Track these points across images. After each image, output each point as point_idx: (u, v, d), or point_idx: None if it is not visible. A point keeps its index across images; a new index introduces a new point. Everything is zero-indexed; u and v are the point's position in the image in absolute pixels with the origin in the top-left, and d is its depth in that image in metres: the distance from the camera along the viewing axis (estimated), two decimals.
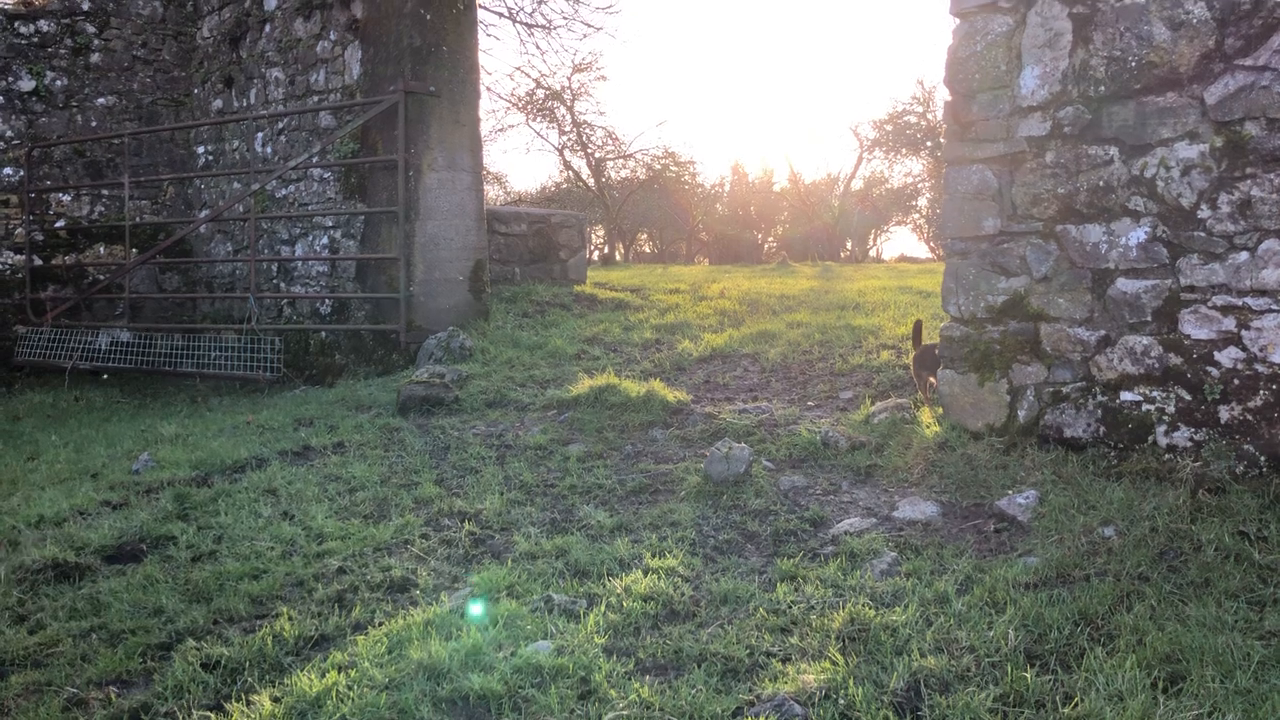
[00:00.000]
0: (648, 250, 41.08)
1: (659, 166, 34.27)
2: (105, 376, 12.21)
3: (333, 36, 11.18)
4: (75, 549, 5.31)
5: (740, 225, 36.95)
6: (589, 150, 33.06)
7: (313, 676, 3.69)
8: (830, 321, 9.79)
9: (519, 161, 53.75)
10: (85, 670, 4.00)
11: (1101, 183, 5.44)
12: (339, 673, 3.72)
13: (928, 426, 6.31)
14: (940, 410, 6.34)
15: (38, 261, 13.06)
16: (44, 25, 13.25)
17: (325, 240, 11.33)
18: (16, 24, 13.17)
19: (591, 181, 33.62)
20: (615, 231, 34.58)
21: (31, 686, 3.90)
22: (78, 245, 13.39)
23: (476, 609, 4.22)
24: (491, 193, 35.78)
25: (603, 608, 4.16)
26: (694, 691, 3.50)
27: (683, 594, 4.33)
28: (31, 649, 4.22)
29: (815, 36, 68.35)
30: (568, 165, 34.56)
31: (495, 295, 11.47)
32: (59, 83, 13.27)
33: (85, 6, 13.48)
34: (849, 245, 34.45)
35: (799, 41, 68.38)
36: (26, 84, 13.10)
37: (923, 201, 34.66)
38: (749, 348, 9.15)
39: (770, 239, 37.76)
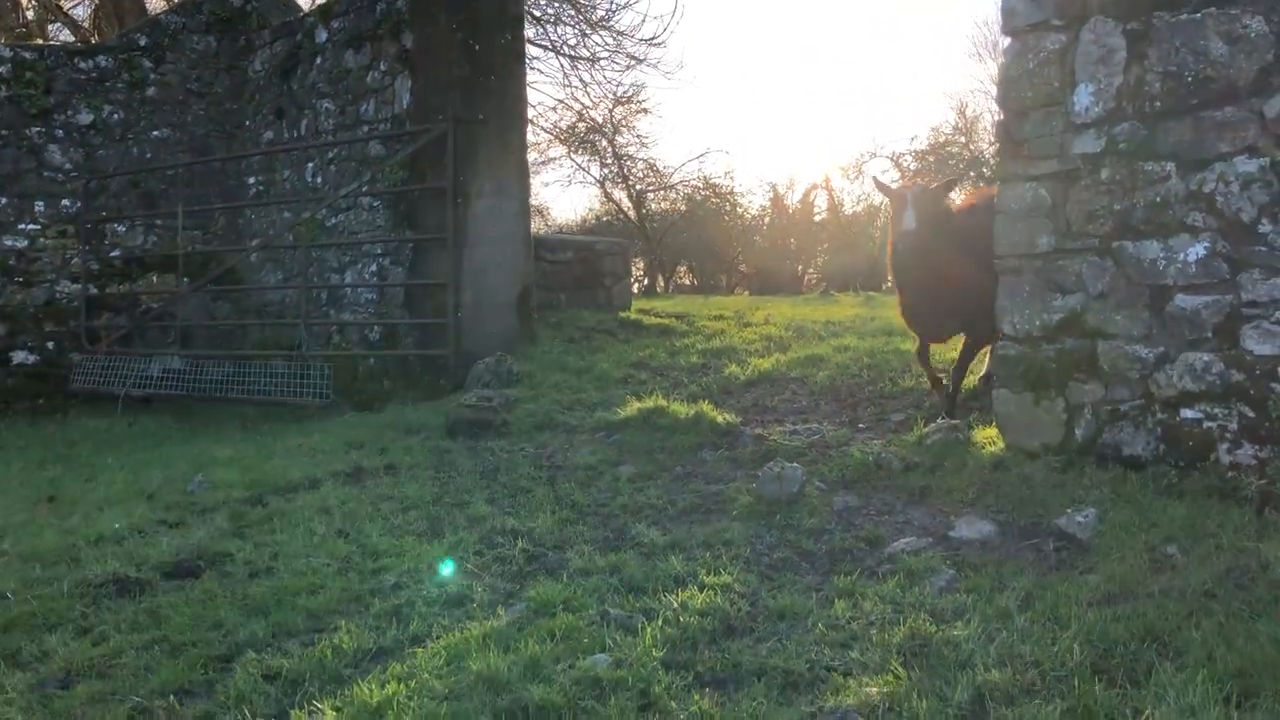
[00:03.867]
0: (688, 282, 41.17)
1: (699, 198, 34.38)
2: (156, 403, 12.39)
3: (382, 67, 11.38)
4: (135, 565, 5.40)
5: (780, 257, 36.91)
6: (630, 182, 33.26)
7: (373, 687, 3.72)
8: (878, 346, 9.77)
9: (561, 194, 54.37)
10: (148, 680, 4.06)
11: (1158, 199, 5.40)
12: (399, 683, 3.74)
13: (983, 447, 6.26)
14: (995, 430, 6.30)
15: (93, 290, 13.33)
16: (102, 61, 13.60)
17: (374, 268, 11.47)
18: (77, 60, 13.52)
19: (632, 213, 33.80)
20: (656, 263, 34.69)
21: (96, 696, 3.96)
22: (131, 274, 13.66)
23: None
24: (534, 225, 36.05)
25: (659, 622, 4.16)
26: (755, 704, 3.48)
27: (739, 609, 4.33)
28: (95, 660, 4.29)
29: (854, 66, 68.47)
30: (609, 197, 34.77)
31: (541, 321, 11.55)
32: (116, 116, 13.59)
33: (142, 42, 13.82)
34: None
35: (837, 71, 68.54)
36: (85, 118, 13.43)
37: None
38: (796, 371, 9.15)
39: (810, 270, 37.69)
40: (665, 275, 36.97)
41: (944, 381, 7.54)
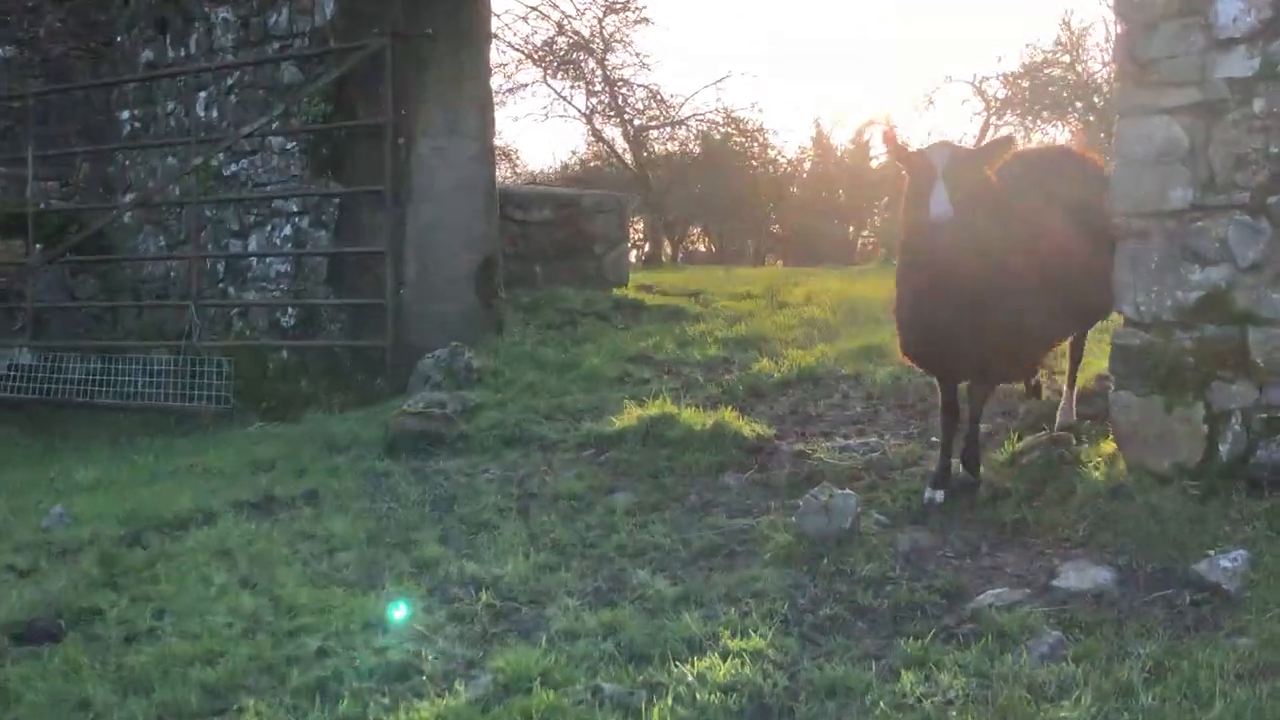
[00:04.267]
0: (703, 249, 41.20)
1: (719, 136, 34.36)
2: (0, 410, 12.40)
3: None
4: None
5: (824, 215, 36.93)
6: (626, 117, 33.28)
7: None
8: None
9: (534, 131, 54.25)
10: None
11: None
12: None
13: (1096, 467, 6.27)
14: (1113, 445, 6.30)
15: None
16: None
17: (288, 231, 11.47)
18: None
19: (630, 157, 33.81)
20: (661, 224, 34.71)
21: None
22: None
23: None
24: (499, 173, 36.08)
25: (669, 700, 4.17)
26: None
27: (775, 684, 4.33)
28: None
29: None
30: (598, 136, 34.78)
31: (511, 302, 11.54)
32: None
33: None
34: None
35: None
36: None
37: None
38: (848, 367, 9.16)
39: (865, 234, 37.74)
40: (674, 240, 36.97)
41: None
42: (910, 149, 6.20)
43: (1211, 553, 5.10)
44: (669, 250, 35.69)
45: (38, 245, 13.11)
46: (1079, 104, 30.54)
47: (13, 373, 12.62)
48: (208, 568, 6.04)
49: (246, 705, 4.43)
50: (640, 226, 36.00)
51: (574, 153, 37.23)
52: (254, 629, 5.22)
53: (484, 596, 5.40)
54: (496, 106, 12.24)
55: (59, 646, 5.15)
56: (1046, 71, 31.49)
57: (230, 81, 12.25)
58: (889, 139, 6.32)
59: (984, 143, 6.75)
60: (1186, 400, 5.87)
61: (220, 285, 12.31)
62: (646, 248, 34.29)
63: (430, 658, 4.79)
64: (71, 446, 10.86)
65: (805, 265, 27.23)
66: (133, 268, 13.75)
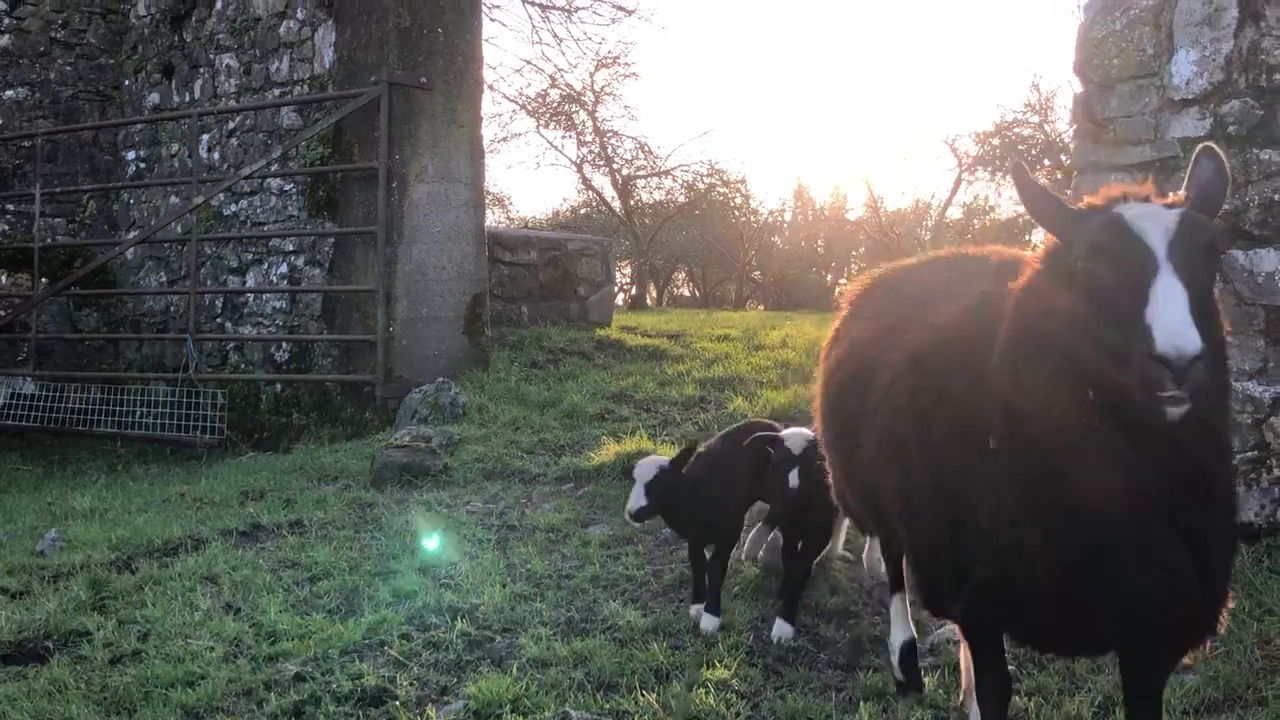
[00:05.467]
0: (687, 293, 41.30)
1: (703, 186, 34.50)
2: (1, 437, 12.33)
3: (300, 15, 11.41)
4: None
5: (804, 263, 37.10)
6: (615, 166, 33.40)
7: None
8: None
9: (526, 180, 54.42)
10: None
11: (1278, 196, 5.42)
12: None
13: None
14: None
15: None
16: None
17: (284, 268, 11.46)
18: None
19: (617, 204, 33.91)
20: (646, 269, 34.80)
21: None
22: None
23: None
24: (491, 218, 36.14)
25: None
26: None
27: (738, 713, 4.31)
28: None
29: (901, 29, 69.14)
30: (588, 184, 34.91)
31: (497, 340, 11.54)
32: None
33: None
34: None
35: (881, 35, 69.20)
36: None
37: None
38: None
39: (842, 280, 37.86)
40: (659, 284, 37.07)
41: None
42: (1079, 204, 3.12)
43: None
44: (654, 293, 35.78)
45: (43, 279, 13.09)
46: (1047, 161, 30.75)
47: (16, 401, 12.57)
48: (193, 593, 6.00)
49: None
50: (626, 271, 36.10)
51: (565, 200, 37.42)
52: (235, 653, 5.17)
53: (460, 625, 5.35)
54: (491, 154, 12.31)
55: (45, 667, 5.10)
56: (1016, 130, 31.74)
57: (232, 125, 12.27)
58: (1023, 180, 3.15)
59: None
60: None
61: (218, 320, 12.28)
62: (633, 291, 34.35)
63: (405, 684, 4.75)
64: (70, 473, 10.83)
65: (785, 310, 27.31)
66: (134, 302, 13.72)
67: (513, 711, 4.34)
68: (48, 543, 7.22)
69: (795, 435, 5.32)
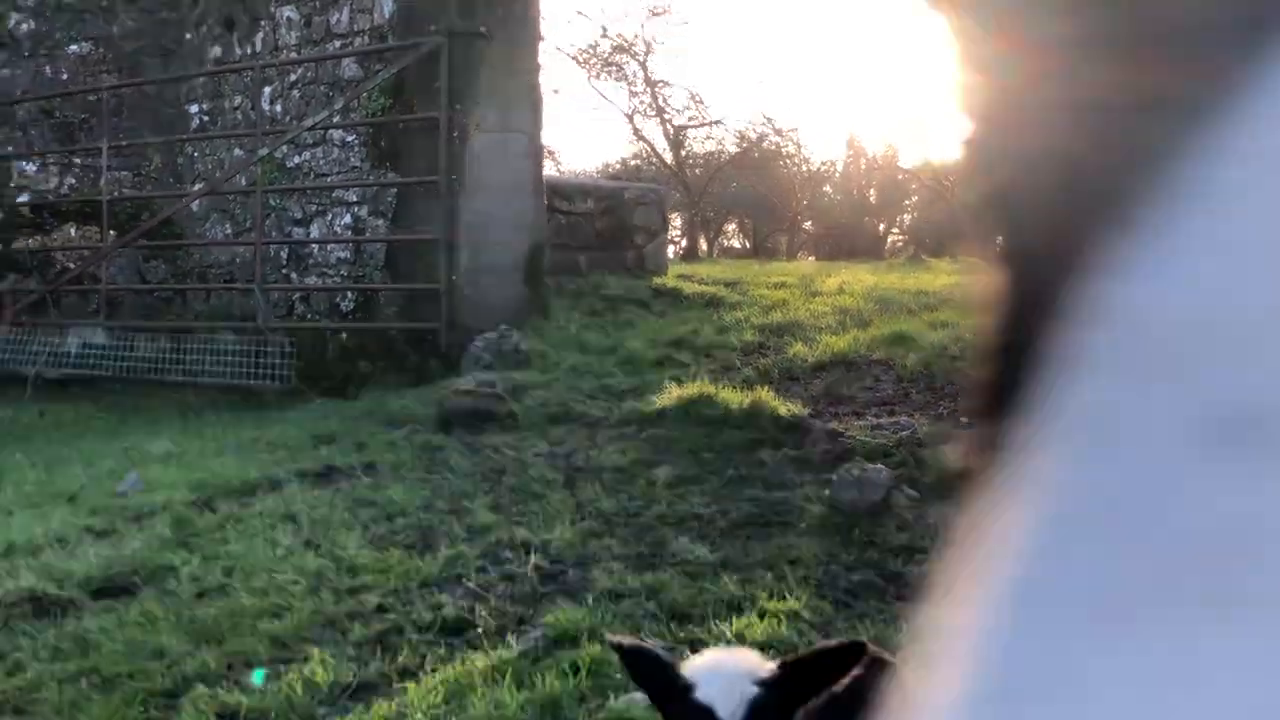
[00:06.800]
0: (737, 244, 41.19)
1: (755, 135, 34.34)
2: (74, 387, 12.57)
3: None
4: (55, 580, 5.49)
5: (856, 212, 36.87)
6: (666, 116, 33.30)
7: None
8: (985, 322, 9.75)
9: (577, 132, 54.37)
10: (76, 719, 4.15)
11: None
12: None
13: None
14: None
15: None
16: None
17: (348, 219, 11.57)
18: None
19: (669, 155, 33.83)
20: (698, 220, 34.72)
21: None
22: (44, 226, 13.84)
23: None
24: (544, 169, 36.13)
25: None
26: None
27: (809, 642, 4.37)
28: (10, 694, 4.39)
29: None
30: (639, 135, 34.84)
31: (556, 288, 11.62)
32: (24, 27, 13.76)
33: None
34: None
35: None
36: None
37: None
38: (880, 352, 9.18)
39: (895, 230, 37.65)
40: (709, 235, 36.99)
41: None
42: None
43: None
44: (705, 245, 35.71)
45: (111, 232, 13.28)
46: None
47: (88, 351, 12.79)
48: (274, 531, 6.14)
49: (311, 654, 4.51)
50: (677, 222, 36.05)
51: (614, 157, 37.37)
52: (317, 586, 5.31)
53: (533, 559, 5.47)
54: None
55: (134, 601, 5.27)
56: None
57: (294, 77, 12.36)
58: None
59: None
60: None
61: (283, 271, 12.43)
62: (684, 242, 34.32)
63: (484, 614, 4.87)
64: (144, 420, 11.00)
65: (838, 260, 27.22)
66: (200, 253, 13.89)
67: (590, 639, 4.45)
68: (129, 484, 7.38)
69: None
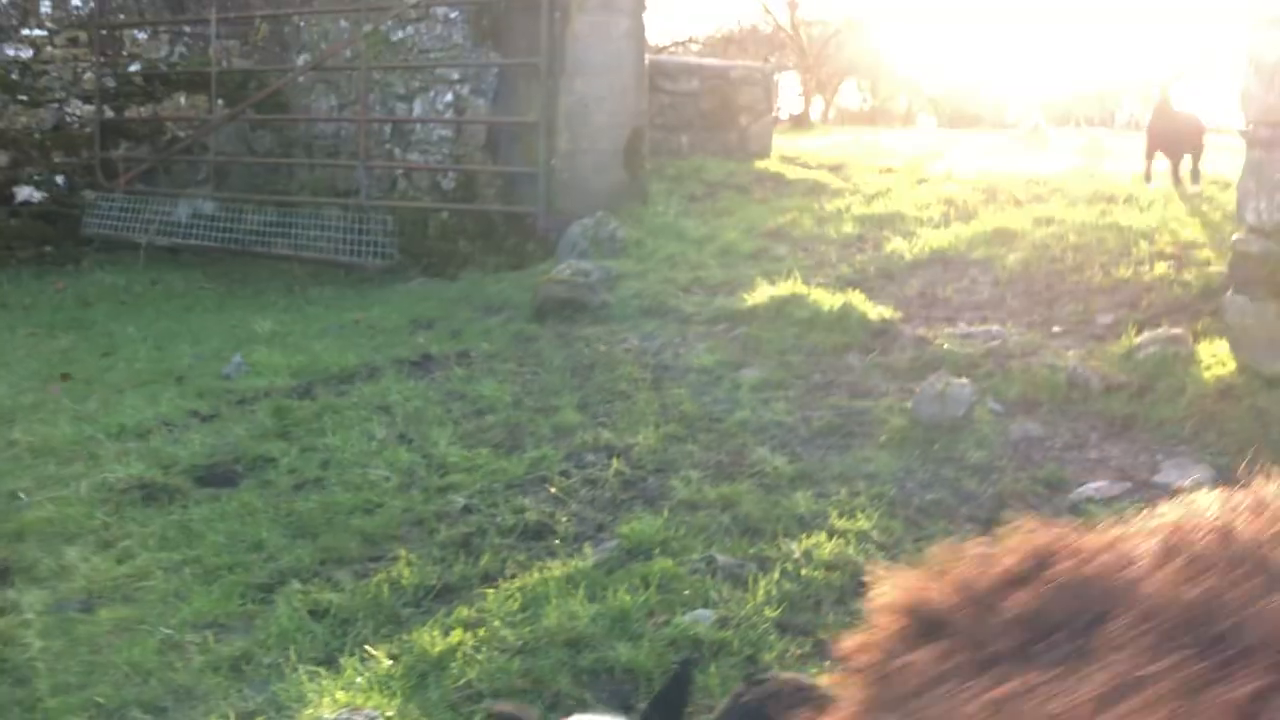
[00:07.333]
0: (855, 107, 40.51)
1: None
2: (184, 255, 13.02)
3: None
4: (163, 467, 5.86)
5: (980, 77, 35.99)
6: None
7: (435, 634, 4.07)
8: (1092, 219, 9.64)
9: None
10: (179, 610, 4.48)
11: None
12: (465, 631, 4.08)
13: (1208, 367, 6.27)
14: (1226, 346, 6.30)
15: (109, 113, 13.91)
16: None
17: (450, 97, 11.71)
18: None
19: (786, 17, 33.23)
20: (812, 84, 34.16)
21: (122, 624, 4.40)
22: (155, 94, 14.20)
23: None
24: (652, 34, 35.78)
25: (776, 574, 4.41)
26: None
27: (876, 564, 4.54)
28: (120, 581, 4.74)
29: None
30: None
31: (656, 172, 11.69)
32: None
33: None
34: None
35: None
36: None
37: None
38: (980, 251, 9.13)
39: (1023, 94, 36.71)
40: (826, 97, 36.41)
41: None
42: None
43: None
44: (823, 108, 35.17)
45: (219, 101, 13.58)
46: None
47: (197, 221, 13.20)
48: (369, 422, 6.43)
49: (399, 554, 4.79)
50: (794, 84, 35.51)
51: (728, 20, 36.72)
52: (408, 484, 5.58)
53: (615, 464, 5.67)
54: None
55: (236, 491, 5.60)
56: None
57: None
58: None
59: None
60: None
61: (386, 146, 12.65)
62: (802, 107, 33.83)
63: (563, 519, 5.11)
64: (250, 292, 11.40)
65: (958, 127, 26.63)
66: (306, 126, 14.15)
67: (662, 552, 4.65)
68: (233, 367, 7.74)
69: None
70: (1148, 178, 11.17)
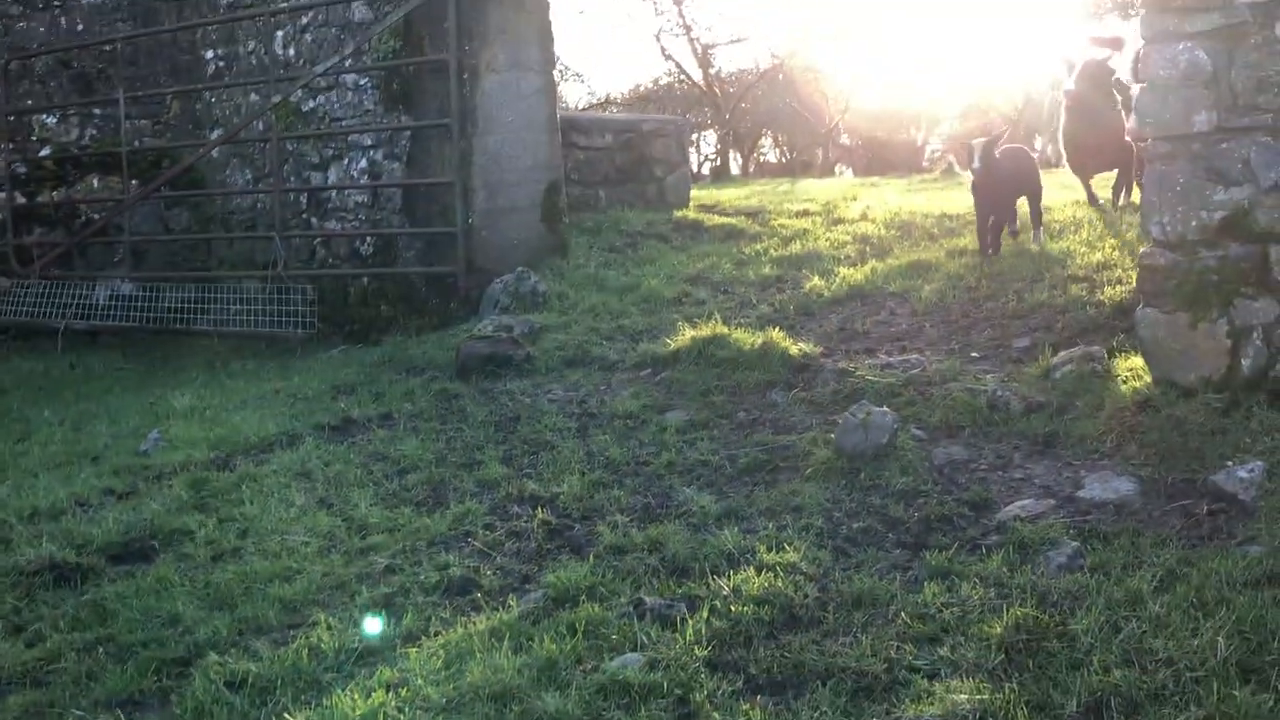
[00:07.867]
0: (773, 159, 40.89)
1: (785, 52, 33.94)
2: (103, 337, 12.77)
3: None
4: (76, 547, 5.68)
5: (894, 125, 36.45)
6: (692, 34, 33.00)
7: (356, 697, 3.93)
8: (1005, 248, 9.72)
9: (605, 53, 53.79)
10: (92, 690, 4.33)
11: None
12: (387, 692, 3.95)
13: (1125, 381, 6.28)
14: (1141, 360, 6.31)
15: (20, 199, 13.66)
16: None
17: (364, 163, 11.62)
18: None
19: (699, 75, 33.58)
20: (729, 138, 34.49)
21: (32, 708, 4.24)
22: (67, 178, 13.96)
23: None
24: (572, 95, 36.01)
25: (705, 613, 4.32)
26: (817, 714, 3.63)
27: (805, 595, 4.46)
28: (30, 664, 4.57)
29: None
30: (666, 54, 34.55)
31: (574, 225, 11.64)
32: None
33: None
34: (1038, 144, 33.72)
35: None
36: None
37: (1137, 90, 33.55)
38: (897, 284, 9.16)
39: (933, 139, 37.20)
40: (744, 152, 36.75)
41: None
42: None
43: (1230, 464, 5.14)
44: (739, 162, 35.50)
45: (133, 181, 13.39)
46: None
47: (115, 302, 12.97)
48: (288, 489, 6.29)
49: (319, 619, 4.65)
50: (710, 140, 35.84)
51: (643, 78, 37.09)
52: (328, 548, 5.45)
53: (540, 514, 5.58)
54: (566, 31, 12.21)
55: (151, 566, 5.44)
56: None
57: (305, 21, 12.34)
58: None
59: None
60: (1210, 317, 5.85)
61: (303, 216, 12.52)
62: (716, 161, 34.15)
63: (489, 573, 5.00)
64: (170, 370, 11.19)
65: (874, 175, 26.94)
66: (222, 200, 13.97)
67: (589, 599, 4.55)
68: (150, 443, 7.57)
69: None
70: (1091, 200, 11.14)
